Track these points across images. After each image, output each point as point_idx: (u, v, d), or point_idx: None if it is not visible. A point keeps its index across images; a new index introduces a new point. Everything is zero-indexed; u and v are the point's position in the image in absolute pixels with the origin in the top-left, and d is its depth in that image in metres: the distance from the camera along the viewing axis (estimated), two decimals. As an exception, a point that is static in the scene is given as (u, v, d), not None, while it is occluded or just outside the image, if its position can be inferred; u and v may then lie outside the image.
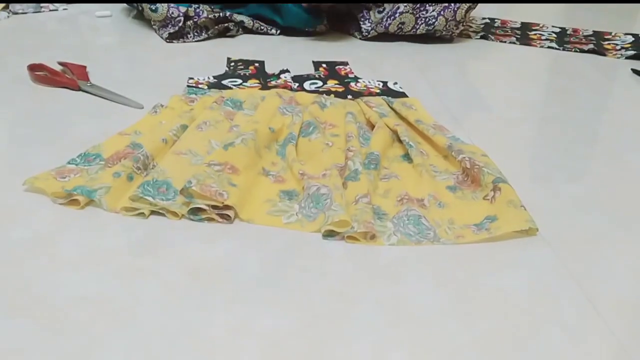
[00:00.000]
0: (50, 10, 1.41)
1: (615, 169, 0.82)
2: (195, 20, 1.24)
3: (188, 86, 0.98)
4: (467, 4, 1.25)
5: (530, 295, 0.57)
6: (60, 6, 1.42)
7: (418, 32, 1.29)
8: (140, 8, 1.26)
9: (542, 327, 0.53)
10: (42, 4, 1.41)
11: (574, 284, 0.59)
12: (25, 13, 1.36)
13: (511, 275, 0.60)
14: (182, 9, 1.23)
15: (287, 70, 1.06)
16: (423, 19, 1.26)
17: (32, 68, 1.00)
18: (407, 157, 0.80)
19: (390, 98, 0.97)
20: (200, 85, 0.99)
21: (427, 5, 1.25)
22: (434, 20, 1.26)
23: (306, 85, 1.03)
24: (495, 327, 0.53)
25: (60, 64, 1.04)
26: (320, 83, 1.04)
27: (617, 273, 0.61)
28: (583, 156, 0.86)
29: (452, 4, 1.24)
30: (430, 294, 0.56)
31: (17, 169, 0.72)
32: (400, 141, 0.83)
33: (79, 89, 0.97)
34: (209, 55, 1.16)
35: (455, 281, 0.58)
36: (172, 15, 1.23)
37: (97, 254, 0.59)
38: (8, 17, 1.33)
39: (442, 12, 1.25)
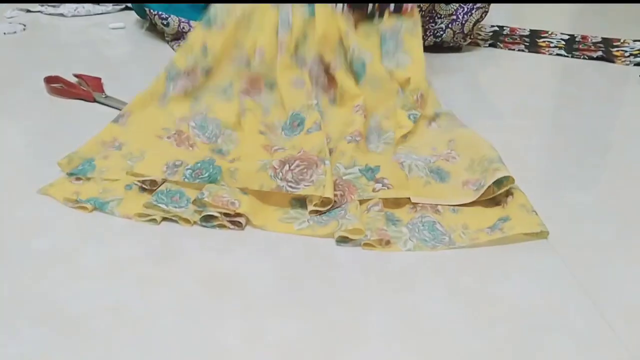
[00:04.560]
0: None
1: (624, 177, 0.82)
2: (207, 32, 1.26)
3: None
4: (475, 18, 1.26)
5: (539, 303, 0.58)
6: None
7: (426, 43, 1.30)
8: (154, 21, 1.28)
9: (551, 335, 0.54)
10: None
11: (582, 293, 0.59)
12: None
13: (520, 283, 0.60)
14: (193, 23, 1.24)
15: None
16: (432, 31, 1.28)
17: (48, 80, 1.02)
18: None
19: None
20: None
21: (436, 18, 1.26)
22: (442, 33, 1.27)
23: None
24: (504, 335, 0.54)
25: (76, 76, 1.06)
26: None
27: (626, 282, 0.61)
28: (592, 164, 0.86)
29: (460, 17, 1.25)
30: (440, 302, 0.57)
31: (34, 180, 0.74)
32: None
33: (94, 101, 0.99)
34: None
35: (465, 289, 0.59)
36: (184, 30, 1.25)
37: (114, 264, 0.60)
38: (24, 29, 1.36)
39: (450, 25, 1.26)
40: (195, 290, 0.58)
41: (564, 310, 0.57)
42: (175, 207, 0.67)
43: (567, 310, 0.57)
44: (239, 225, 0.66)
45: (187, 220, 0.66)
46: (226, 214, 0.66)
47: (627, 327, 0.55)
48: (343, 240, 0.65)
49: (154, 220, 0.67)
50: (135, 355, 0.50)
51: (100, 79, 1.04)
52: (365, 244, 0.64)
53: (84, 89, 1.01)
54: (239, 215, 0.66)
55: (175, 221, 0.67)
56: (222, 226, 0.66)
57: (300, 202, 0.71)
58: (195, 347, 0.51)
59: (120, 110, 0.89)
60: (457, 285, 0.60)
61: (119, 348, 0.50)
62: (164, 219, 0.67)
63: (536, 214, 0.68)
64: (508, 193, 0.71)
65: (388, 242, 0.64)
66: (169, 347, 0.51)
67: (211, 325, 0.53)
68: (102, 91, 1.01)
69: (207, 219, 0.66)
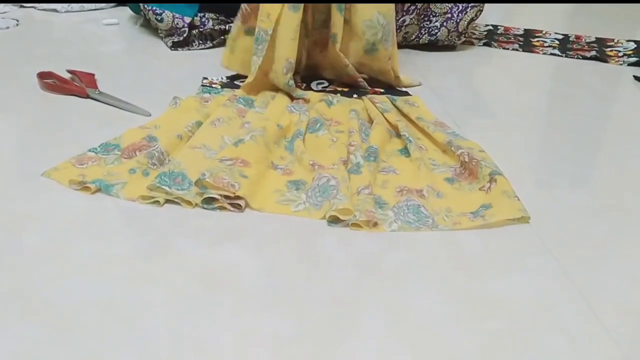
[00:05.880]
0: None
1: (617, 176, 0.84)
2: (200, 29, 1.26)
3: (202, 85, 1.05)
4: (470, 16, 1.26)
5: (532, 302, 0.59)
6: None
7: (421, 41, 1.31)
8: (148, 17, 1.27)
9: (544, 334, 0.55)
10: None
11: (575, 291, 0.60)
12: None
13: (513, 282, 0.61)
14: (187, 19, 1.25)
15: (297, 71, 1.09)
16: (426, 29, 1.28)
17: (42, 76, 1.03)
18: (405, 151, 0.87)
19: (393, 96, 1.03)
20: (213, 85, 1.06)
21: (431, 16, 1.26)
22: (436, 31, 1.29)
23: (313, 85, 1.09)
24: (497, 334, 0.54)
25: (69, 71, 1.07)
26: (326, 83, 1.11)
27: (619, 280, 0.63)
28: (585, 163, 0.87)
29: (455, 16, 1.25)
30: (434, 300, 0.58)
31: (26, 175, 0.75)
32: (400, 136, 0.90)
33: (88, 97, 1.00)
34: (215, 62, 1.18)
35: (458, 287, 0.60)
36: (177, 25, 1.25)
37: (107, 260, 0.62)
38: (17, 25, 1.35)
39: (444, 24, 1.27)
40: (188, 287, 0.58)
41: (556, 308, 0.58)
42: (178, 189, 0.71)
43: (561, 308, 0.58)
44: (238, 207, 0.71)
45: (189, 202, 0.71)
46: (226, 197, 0.70)
47: (619, 324, 0.56)
48: (334, 221, 0.69)
49: (157, 202, 0.71)
50: (126, 352, 0.50)
51: (93, 75, 1.06)
52: (353, 224, 0.69)
53: (77, 84, 1.02)
54: (238, 197, 0.71)
55: (172, 218, 0.68)
56: (222, 208, 0.71)
57: (296, 184, 0.76)
58: (187, 344, 0.51)
59: (112, 106, 0.89)
60: (450, 284, 0.61)
61: (110, 344, 0.51)
62: (167, 201, 0.71)
63: (518, 199, 0.73)
64: (492, 180, 0.76)
65: (375, 224, 0.69)
66: (160, 344, 0.51)
67: (204, 322, 0.54)
68: (96, 87, 1.02)
69: (208, 201, 0.71)
